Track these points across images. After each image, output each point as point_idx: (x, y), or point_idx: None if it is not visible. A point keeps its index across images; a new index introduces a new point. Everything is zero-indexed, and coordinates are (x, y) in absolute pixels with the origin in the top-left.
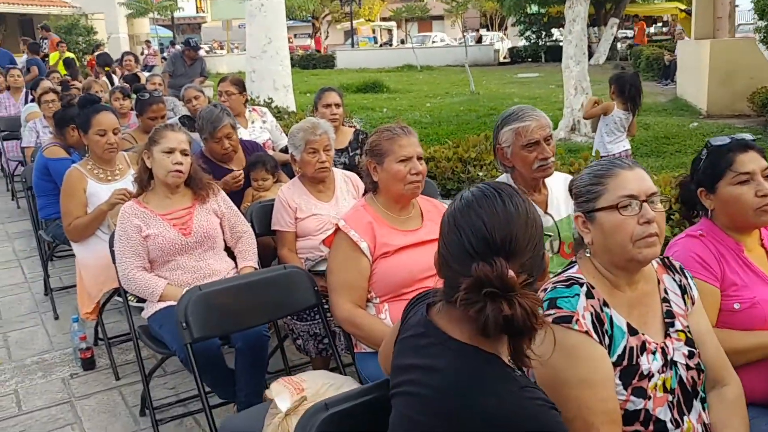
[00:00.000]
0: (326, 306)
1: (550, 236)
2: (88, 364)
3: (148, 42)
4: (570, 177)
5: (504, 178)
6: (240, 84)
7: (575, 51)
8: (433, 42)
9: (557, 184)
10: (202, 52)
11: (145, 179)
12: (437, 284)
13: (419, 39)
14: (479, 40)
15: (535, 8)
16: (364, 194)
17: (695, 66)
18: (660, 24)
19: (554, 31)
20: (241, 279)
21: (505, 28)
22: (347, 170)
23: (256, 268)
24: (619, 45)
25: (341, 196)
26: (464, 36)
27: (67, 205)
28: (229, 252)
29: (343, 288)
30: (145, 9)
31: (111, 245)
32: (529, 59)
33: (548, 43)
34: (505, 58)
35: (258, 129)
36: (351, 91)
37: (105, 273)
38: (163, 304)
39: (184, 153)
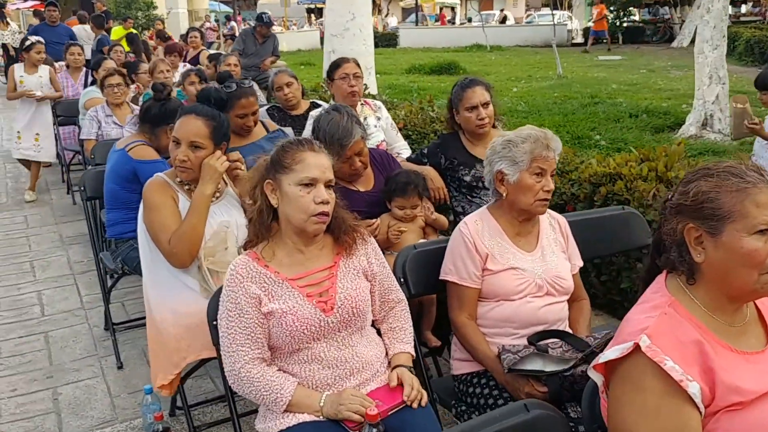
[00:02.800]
0: None
1: None
2: None
3: (207, 17)
4: None
5: None
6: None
7: (713, 33)
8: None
9: None
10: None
11: (267, 223)
12: None
13: (484, 18)
14: (503, 21)
15: None
16: (647, 268)
17: None
18: (750, 4)
19: (632, 10)
20: None
21: (571, 7)
22: None
23: (413, 356)
24: None
25: (548, 246)
26: (552, 14)
27: (157, 219)
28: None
29: None
30: None
31: (212, 315)
32: (604, 40)
33: (626, 24)
34: (573, 39)
35: (372, 128)
36: (424, 72)
37: (190, 337)
38: (291, 419)
39: (329, 185)
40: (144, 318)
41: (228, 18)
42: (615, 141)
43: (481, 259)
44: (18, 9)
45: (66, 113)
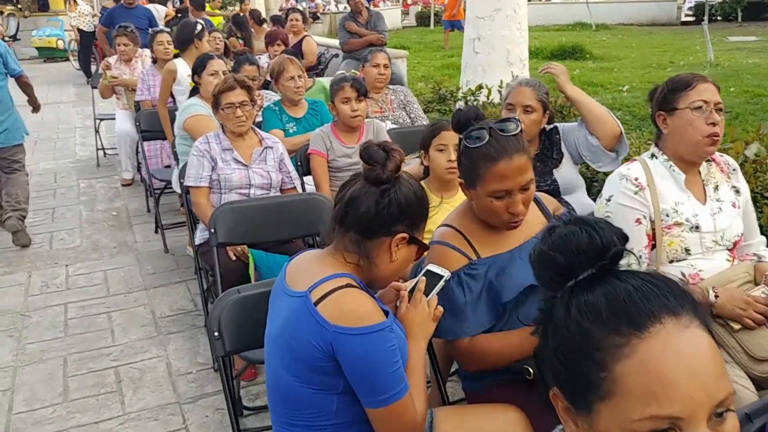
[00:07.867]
0: None
1: None
2: None
3: None
4: None
5: None
6: None
7: None
8: None
9: None
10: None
11: None
12: None
13: None
14: None
15: None
16: None
17: None
18: None
19: None
20: None
21: None
22: None
23: None
24: None
25: None
26: None
27: None
28: None
29: None
30: None
31: None
32: (719, 17)
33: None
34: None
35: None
36: (543, 56)
37: None
38: None
39: None
40: None
41: None
42: None
43: None
44: None
45: (151, 126)
